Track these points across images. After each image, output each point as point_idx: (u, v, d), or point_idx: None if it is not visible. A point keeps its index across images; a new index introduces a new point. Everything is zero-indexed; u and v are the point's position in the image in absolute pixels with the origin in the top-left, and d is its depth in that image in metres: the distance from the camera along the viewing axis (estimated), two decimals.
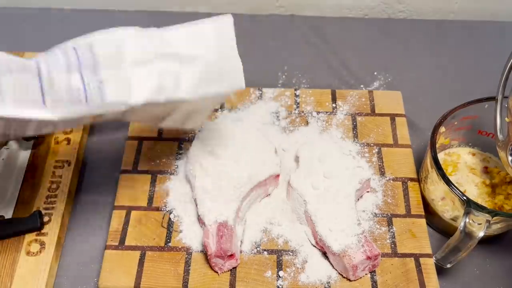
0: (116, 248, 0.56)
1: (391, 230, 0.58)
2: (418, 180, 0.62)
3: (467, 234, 0.51)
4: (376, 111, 0.69)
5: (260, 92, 0.70)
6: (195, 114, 0.50)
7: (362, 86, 0.76)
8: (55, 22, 0.82)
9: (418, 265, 0.55)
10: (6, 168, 0.60)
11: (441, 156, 0.64)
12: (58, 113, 0.40)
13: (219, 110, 0.68)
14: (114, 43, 0.42)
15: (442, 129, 0.59)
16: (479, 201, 0.59)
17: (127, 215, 0.58)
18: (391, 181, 0.62)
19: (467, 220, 0.51)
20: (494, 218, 0.51)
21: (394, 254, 0.56)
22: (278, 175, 0.60)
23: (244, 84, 0.47)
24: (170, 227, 0.58)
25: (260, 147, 0.60)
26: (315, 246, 0.57)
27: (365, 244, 0.53)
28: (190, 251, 0.56)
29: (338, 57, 0.80)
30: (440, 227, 0.61)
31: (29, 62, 0.40)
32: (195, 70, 0.44)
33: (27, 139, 0.64)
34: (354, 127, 0.67)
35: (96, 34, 0.42)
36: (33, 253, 0.56)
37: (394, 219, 0.59)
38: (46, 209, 0.59)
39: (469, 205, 0.51)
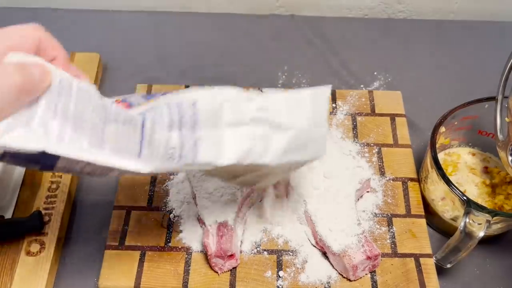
0: (116, 248, 0.56)
1: (391, 230, 0.58)
2: (418, 180, 0.62)
3: (467, 234, 0.51)
4: (376, 111, 0.69)
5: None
6: (268, 177, 0.50)
7: (362, 86, 0.76)
8: (55, 22, 0.82)
9: (418, 265, 0.55)
10: (6, 168, 0.60)
11: (441, 156, 0.64)
12: (149, 168, 0.40)
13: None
14: (216, 103, 0.42)
15: (442, 129, 0.59)
16: (479, 201, 0.59)
17: (127, 215, 0.58)
18: (391, 181, 0.62)
19: (467, 220, 0.51)
20: (494, 218, 0.51)
21: (394, 254, 0.56)
22: None
23: (325, 153, 0.47)
24: (170, 227, 0.58)
25: None
26: (315, 246, 0.57)
27: (365, 244, 0.53)
28: (190, 251, 0.56)
29: (338, 57, 0.80)
30: (440, 227, 0.61)
31: (135, 116, 0.40)
32: (285, 137, 0.44)
33: None
34: (354, 127, 0.67)
35: (199, 91, 0.42)
36: (33, 253, 0.56)
37: (394, 219, 0.59)
38: (46, 209, 0.59)
39: (469, 205, 0.51)
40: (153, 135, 0.40)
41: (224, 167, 0.42)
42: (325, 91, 0.45)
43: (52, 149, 0.35)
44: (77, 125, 0.37)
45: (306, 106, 0.44)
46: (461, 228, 0.51)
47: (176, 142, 0.41)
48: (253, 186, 0.57)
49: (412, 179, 0.62)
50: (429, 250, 0.57)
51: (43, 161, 0.36)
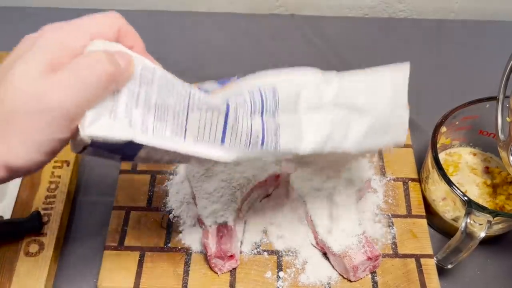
0: (115, 248, 0.56)
1: (392, 230, 0.58)
2: (419, 180, 0.62)
3: (468, 235, 0.50)
4: None
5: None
6: (339, 164, 0.49)
7: None
8: (55, 22, 0.82)
9: (419, 266, 0.55)
10: None
11: (442, 156, 0.63)
12: (232, 156, 0.39)
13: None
14: (295, 87, 0.41)
15: (443, 129, 0.59)
16: (480, 201, 0.59)
17: (127, 216, 0.58)
18: (392, 181, 0.62)
19: (468, 220, 0.51)
20: (495, 218, 0.51)
21: (395, 254, 0.56)
22: (278, 175, 0.59)
23: (404, 141, 0.45)
24: (169, 227, 0.58)
25: None
26: (315, 247, 0.56)
27: (365, 245, 0.53)
28: (190, 251, 0.56)
29: (338, 57, 0.79)
30: (441, 228, 0.61)
31: (219, 103, 0.39)
32: (365, 122, 0.42)
33: None
34: None
35: (278, 76, 0.41)
36: (32, 253, 0.55)
37: (395, 220, 0.59)
38: (45, 209, 0.58)
39: (470, 206, 0.51)
40: (237, 122, 0.39)
41: (315, 152, 0.41)
42: (405, 68, 0.44)
43: (138, 138, 0.34)
44: (160, 114, 0.36)
45: (386, 87, 0.43)
46: (462, 229, 0.51)
47: (259, 129, 0.40)
48: (252, 187, 0.56)
49: (413, 179, 0.62)
50: (430, 251, 0.56)
51: (126, 151, 0.36)
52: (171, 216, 0.58)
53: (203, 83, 0.42)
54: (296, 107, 0.41)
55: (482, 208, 0.51)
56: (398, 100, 0.43)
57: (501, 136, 0.54)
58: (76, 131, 0.33)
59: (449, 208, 0.58)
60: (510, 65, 0.53)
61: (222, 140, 0.39)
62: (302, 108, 0.41)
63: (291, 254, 0.56)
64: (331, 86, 0.42)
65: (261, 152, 0.40)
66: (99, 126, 0.33)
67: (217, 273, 0.54)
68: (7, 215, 0.58)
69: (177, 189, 0.60)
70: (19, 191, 0.60)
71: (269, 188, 0.60)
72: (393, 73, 0.43)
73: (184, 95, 0.37)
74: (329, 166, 0.48)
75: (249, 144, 0.40)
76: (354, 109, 0.42)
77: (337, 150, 0.42)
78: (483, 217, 0.50)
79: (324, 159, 0.46)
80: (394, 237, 0.57)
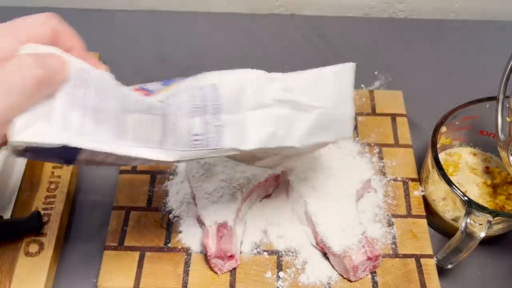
0: (115, 248, 0.56)
1: (392, 230, 0.58)
2: (419, 180, 0.62)
3: (468, 235, 0.50)
4: (377, 111, 0.69)
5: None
6: (291, 158, 0.49)
7: (362, 85, 0.75)
8: None
9: (419, 266, 0.55)
10: (5, 168, 0.60)
11: (442, 156, 0.63)
12: (174, 156, 0.40)
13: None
14: (237, 86, 0.41)
15: (443, 129, 0.59)
16: (480, 201, 0.59)
17: (126, 216, 0.58)
18: (392, 181, 0.62)
19: (468, 220, 0.51)
20: (495, 218, 0.51)
21: (395, 254, 0.56)
22: (278, 175, 0.59)
23: (351, 134, 0.46)
24: (169, 227, 0.58)
25: None
26: (315, 247, 0.56)
27: (365, 245, 0.53)
28: (190, 251, 0.56)
29: (338, 57, 0.79)
30: (441, 228, 0.61)
31: (157, 104, 0.39)
32: (309, 118, 0.43)
33: None
34: (355, 127, 0.67)
35: (220, 75, 0.41)
36: (32, 253, 0.55)
37: (395, 220, 0.59)
38: (45, 209, 0.58)
39: (470, 206, 0.51)
40: (176, 122, 0.39)
41: (247, 151, 0.42)
42: (350, 67, 0.45)
43: (73, 142, 0.34)
44: (98, 116, 0.36)
45: (330, 84, 0.43)
46: (462, 229, 0.51)
47: (200, 129, 0.40)
48: (252, 187, 0.56)
49: (413, 179, 0.62)
50: (430, 251, 0.56)
51: (65, 154, 0.35)
52: (171, 216, 0.58)
53: (146, 83, 0.42)
54: (239, 106, 0.41)
55: (482, 208, 0.51)
56: (343, 97, 0.44)
57: (501, 136, 0.54)
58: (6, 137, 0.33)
59: (449, 208, 0.58)
60: (510, 65, 0.53)
61: (162, 141, 0.39)
62: (246, 107, 0.41)
63: (291, 254, 0.56)
64: (274, 84, 0.42)
65: (203, 152, 0.40)
66: (32, 131, 0.33)
67: (217, 273, 0.54)
68: (7, 215, 0.58)
69: (177, 189, 0.60)
70: (19, 191, 0.60)
71: (269, 188, 0.60)
72: (338, 72, 0.44)
73: (122, 97, 0.37)
74: (285, 158, 0.49)
75: (190, 146, 0.40)
76: (298, 106, 0.42)
77: (282, 146, 0.42)
78: (483, 217, 0.50)
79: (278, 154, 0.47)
80: (394, 237, 0.57)
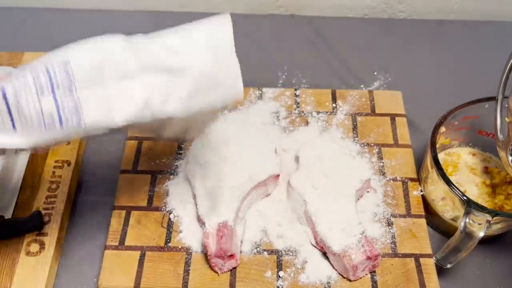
0: (116, 248, 0.56)
1: (391, 230, 0.58)
2: (418, 180, 0.62)
3: (468, 234, 0.51)
4: (376, 111, 0.69)
5: (260, 92, 0.70)
6: (194, 125, 0.46)
7: (362, 86, 0.75)
8: (55, 22, 0.82)
9: (418, 265, 0.55)
10: (5, 168, 0.60)
11: (441, 156, 0.64)
12: (30, 141, 0.38)
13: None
14: (94, 57, 0.38)
15: (443, 129, 0.59)
16: (479, 201, 0.59)
17: (127, 215, 0.58)
18: (391, 181, 0.62)
19: (467, 220, 0.51)
20: (494, 218, 0.51)
21: (394, 254, 0.56)
22: (278, 175, 0.60)
23: (242, 92, 0.42)
24: (170, 227, 0.58)
25: (260, 147, 0.60)
26: (315, 246, 0.56)
27: (365, 244, 0.53)
28: (190, 251, 0.56)
29: (338, 57, 0.79)
30: (440, 227, 0.61)
31: None
32: (186, 82, 0.40)
33: None
34: (354, 127, 0.67)
35: (72, 48, 0.39)
36: (33, 253, 0.56)
37: (394, 219, 0.59)
38: (46, 209, 0.59)
39: (469, 205, 0.51)
40: (20, 102, 0.37)
41: (129, 126, 0.39)
42: (224, 21, 0.41)
43: None
44: None
45: (205, 43, 0.40)
46: (461, 228, 0.51)
47: (52, 107, 0.38)
48: (252, 187, 0.57)
49: (412, 179, 0.62)
50: (429, 250, 0.56)
51: None
52: (171, 215, 0.59)
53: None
54: (100, 79, 0.38)
55: (481, 208, 0.51)
56: (223, 52, 0.41)
57: (500, 136, 0.54)
58: None
59: (448, 208, 0.58)
60: (509, 65, 0.53)
61: (13, 127, 0.37)
62: (108, 79, 0.39)
63: (291, 253, 0.56)
64: (138, 50, 0.39)
65: (62, 131, 0.38)
66: None
67: (217, 273, 0.54)
68: (8, 215, 0.58)
69: (177, 189, 0.60)
70: (20, 191, 0.60)
71: (269, 188, 0.60)
72: (211, 27, 0.41)
73: None
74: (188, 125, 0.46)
75: (44, 126, 0.38)
76: (171, 70, 0.39)
77: (160, 116, 0.40)
78: (482, 217, 0.51)
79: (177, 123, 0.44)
80: (393, 237, 0.57)
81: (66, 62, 0.38)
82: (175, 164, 0.63)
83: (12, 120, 0.37)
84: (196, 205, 0.57)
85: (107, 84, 0.39)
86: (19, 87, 0.37)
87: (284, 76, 0.76)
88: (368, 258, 0.52)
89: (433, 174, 0.57)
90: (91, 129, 0.39)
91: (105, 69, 0.39)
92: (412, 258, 0.56)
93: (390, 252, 0.56)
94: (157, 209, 0.59)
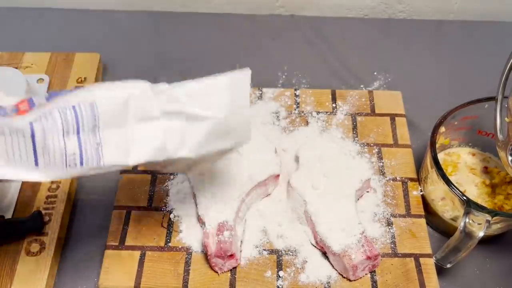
0: (116, 248, 0.56)
1: (391, 230, 0.58)
2: (418, 180, 0.62)
3: (467, 234, 0.51)
4: (376, 111, 0.69)
5: (260, 92, 0.70)
6: (200, 164, 0.48)
7: (362, 86, 0.76)
8: (55, 22, 0.82)
9: (418, 265, 0.55)
10: None
11: (441, 156, 0.64)
12: (50, 176, 0.39)
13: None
14: (118, 101, 0.40)
15: (442, 129, 0.59)
16: (479, 201, 0.59)
17: (127, 215, 0.58)
18: (391, 181, 0.62)
19: (467, 220, 0.51)
20: (494, 218, 0.51)
21: (394, 254, 0.56)
22: (278, 175, 0.60)
23: (250, 139, 0.45)
24: (170, 227, 0.58)
25: (260, 147, 0.60)
26: (315, 246, 0.57)
27: (365, 244, 0.53)
28: (190, 251, 0.56)
29: (338, 57, 0.80)
30: (440, 227, 0.61)
31: (22, 124, 0.38)
32: (202, 128, 0.42)
33: None
34: (354, 127, 0.67)
35: (99, 89, 0.40)
36: (33, 253, 0.56)
37: (394, 219, 0.59)
38: (46, 209, 0.59)
39: (469, 205, 0.51)
40: (46, 142, 0.38)
41: (149, 162, 0.41)
42: (245, 74, 0.43)
43: None
44: None
45: (224, 93, 0.42)
46: (461, 228, 0.51)
47: (75, 148, 0.39)
48: (252, 186, 0.57)
49: (412, 179, 0.62)
50: (429, 250, 0.57)
51: None
52: (171, 215, 0.59)
53: (39, 96, 0.41)
54: (123, 121, 0.40)
55: (481, 208, 0.51)
56: (238, 105, 0.43)
57: (500, 136, 0.54)
58: None
59: (448, 208, 0.58)
60: (508, 65, 0.53)
61: (36, 162, 0.39)
62: (130, 121, 0.40)
63: (291, 253, 0.56)
64: (161, 95, 0.41)
65: (83, 170, 0.40)
66: None
67: (217, 273, 0.54)
68: (8, 215, 0.58)
69: (177, 189, 0.61)
70: (20, 191, 0.60)
71: (269, 188, 0.60)
72: (232, 80, 0.43)
73: None
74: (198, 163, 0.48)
75: (66, 165, 0.39)
76: (189, 116, 0.42)
77: (173, 157, 0.42)
78: (482, 217, 0.51)
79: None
80: (393, 237, 0.58)
81: (93, 102, 0.39)
82: None
83: (36, 157, 0.39)
84: (196, 205, 0.57)
85: (127, 126, 0.40)
86: (47, 128, 0.38)
87: (284, 76, 0.76)
88: (368, 258, 0.52)
89: (433, 174, 0.57)
90: (107, 169, 0.41)
91: (130, 111, 0.40)
92: (412, 258, 0.56)
93: (390, 252, 0.56)
94: (157, 209, 0.59)
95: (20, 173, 0.38)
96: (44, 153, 0.39)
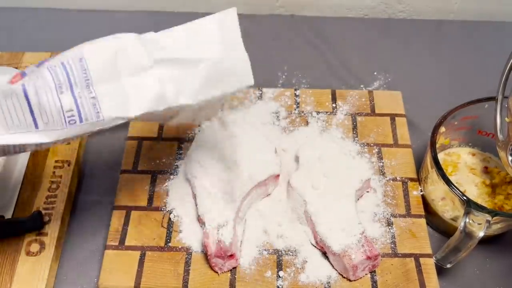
0: (116, 248, 0.56)
1: (391, 230, 0.58)
2: (418, 180, 0.62)
3: (467, 234, 0.51)
4: (376, 111, 0.69)
5: (260, 92, 0.70)
6: (204, 111, 0.48)
7: (362, 86, 0.76)
8: (55, 22, 0.82)
9: (418, 265, 0.55)
10: (6, 168, 0.60)
11: (441, 156, 0.64)
12: (53, 137, 0.39)
13: (219, 110, 0.68)
14: (107, 54, 0.40)
15: (442, 129, 0.59)
16: (479, 201, 0.59)
17: (127, 215, 0.58)
18: (391, 181, 0.62)
19: (467, 220, 0.51)
20: (494, 218, 0.51)
21: (394, 254, 0.56)
22: (278, 175, 0.60)
23: (252, 79, 0.45)
24: (170, 227, 0.58)
25: (260, 147, 0.60)
26: (315, 246, 0.57)
27: (365, 244, 0.53)
28: (190, 251, 0.56)
29: (338, 57, 0.80)
30: (440, 227, 0.61)
31: (15, 87, 0.38)
32: (198, 73, 0.42)
33: None
34: (354, 127, 0.67)
35: (86, 45, 0.40)
36: (33, 253, 0.56)
37: (394, 219, 0.59)
38: (46, 209, 0.59)
39: (469, 205, 0.51)
40: (41, 101, 0.38)
41: (145, 115, 0.41)
42: (231, 14, 0.43)
43: None
44: None
45: (213, 33, 0.42)
46: (461, 228, 0.51)
47: (71, 104, 0.39)
48: (252, 186, 0.57)
49: (412, 179, 0.62)
50: (429, 250, 0.57)
51: None
52: (171, 215, 0.59)
53: (27, 67, 0.41)
54: (115, 74, 0.40)
55: (481, 208, 0.51)
56: (231, 43, 0.43)
57: (500, 136, 0.54)
58: None
59: (448, 208, 0.58)
60: (509, 65, 0.53)
61: (35, 124, 0.39)
62: (123, 73, 0.40)
63: (291, 253, 0.56)
64: (150, 45, 0.41)
65: (84, 127, 0.40)
66: None
67: (217, 273, 0.54)
68: (8, 215, 0.58)
69: (177, 189, 0.61)
70: (20, 191, 0.60)
71: (269, 188, 0.60)
72: (219, 18, 0.42)
73: None
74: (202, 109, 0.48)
75: (66, 122, 0.39)
76: (182, 62, 0.41)
77: (174, 105, 0.42)
78: (482, 217, 0.51)
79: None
80: (393, 237, 0.58)
81: (82, 59, 0.39)
82: (175, 164, 0.63)
83: (34, 119, 0.39)
84: (196, 205, 0.57)
85: (121, 79, 0.40)
86: (39, 85, 0.38)
87: (284, 76, 0.76)
88: (368, 258, 0.52)
89: (433, 174, 0.57)
90: (108, 123, 0.40)
91: (119, 63, 0.40)
92: (412, 258, 0.56)
93: (390, 252, 0.56)
94: (157, 209, 0.59)
95: (21, 137, 0.38)
96: (41, 114, 0.39)
